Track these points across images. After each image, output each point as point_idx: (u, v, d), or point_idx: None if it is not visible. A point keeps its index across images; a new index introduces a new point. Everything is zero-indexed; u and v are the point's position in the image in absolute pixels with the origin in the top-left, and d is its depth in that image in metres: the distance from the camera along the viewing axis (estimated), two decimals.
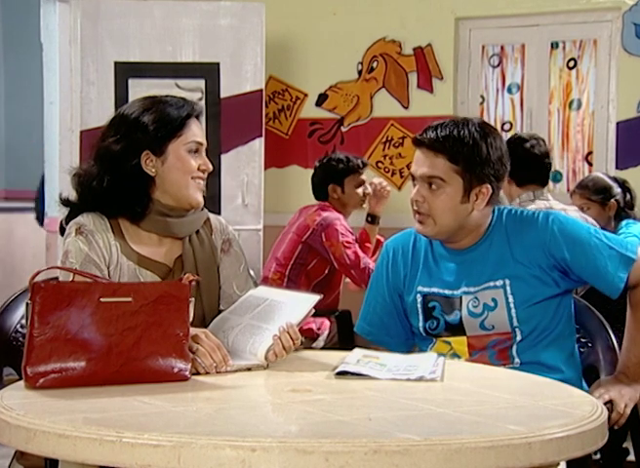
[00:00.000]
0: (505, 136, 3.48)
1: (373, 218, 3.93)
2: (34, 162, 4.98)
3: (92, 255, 1.86)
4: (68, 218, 1.94)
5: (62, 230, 1.96)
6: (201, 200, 1.94)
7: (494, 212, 2.10)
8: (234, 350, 1.79)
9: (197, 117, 1.94)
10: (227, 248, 2.03)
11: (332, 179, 3.84)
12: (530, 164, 3.25)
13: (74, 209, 1.94)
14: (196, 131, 1.93)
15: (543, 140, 3.39)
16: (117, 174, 1.88)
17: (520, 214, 2.10)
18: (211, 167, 1.95)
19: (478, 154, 2.00)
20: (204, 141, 1.95)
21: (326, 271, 3.80)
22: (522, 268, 2.04)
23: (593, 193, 3.58)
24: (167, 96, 1.96)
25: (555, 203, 3.26)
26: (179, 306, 1.63)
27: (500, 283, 2.04)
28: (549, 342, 2.05)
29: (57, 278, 1.87)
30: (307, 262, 3.78)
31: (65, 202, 1.97)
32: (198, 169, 1.92)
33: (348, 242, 3.70)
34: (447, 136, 2.00)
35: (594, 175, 3.77)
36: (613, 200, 3.56)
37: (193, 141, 1.92)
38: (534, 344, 2.04)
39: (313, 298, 1.87)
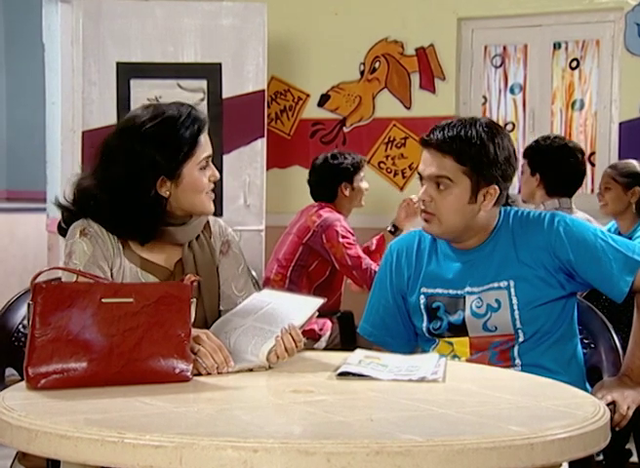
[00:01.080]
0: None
1: (395, 230, 3.92)
2: (36, 163, 4.98)
3: (95, 257, 1.85)
4: (67, 220, 1.92)
5: (60, 230, 1.94)
6: (212, 208, 1.94)
7: (500, 212, 2.10)
8: (236, 351, 1.78)
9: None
10: (226, 249, 2.03)
11: (344, 178, 3.84)
12: (573, 179, 3.25)
13: (73, 214, 1.92)
14: (205, 145, 1.91)
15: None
16: (131, 202, 1.85)
17: (527, 215, 2.09)
18: (218, 175, 1.94)
19: (485, 155, 2.00)
20: (211, 152, 1.93)
21: (327, 272, 3.80)
22: (527, 269, 2.03)
23: (619, 175, 3.54)
24: (173, 105, 1.90)
25: (581, 214, 3.22)
26: (180, 307, 1.62)
27: (504, 284, 2.04)
28: (551, 344, 2.05)
29: (58, 278, 1.87)
30: (308, 264, 3.77)
31: (64, 207, 1.94)
32: (208, 181, 1.91)
33: (349, 243, 3.70)
34: (454, 136, 2.00)
35: (630, 160, 3.70)
36: (637, 188, 3.52)
37: (204, 157, 1.90)
38: (535, 346, 2.03)
39: (317, 302, 1.87)
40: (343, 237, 3.70)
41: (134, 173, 1.85)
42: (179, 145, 1.86)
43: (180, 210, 1.91)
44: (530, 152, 3.36)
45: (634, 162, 3.68)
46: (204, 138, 1.90)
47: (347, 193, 3.85)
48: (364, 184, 3.91)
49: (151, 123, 1.86)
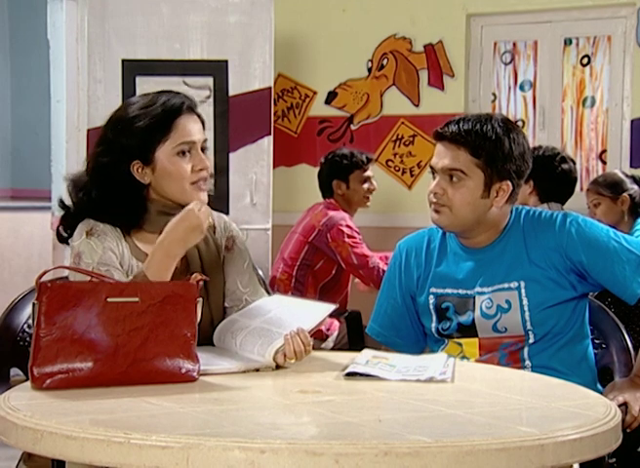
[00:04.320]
0: None
1: None
2: (41, 161, 4.98)
3: (107, 254, 1.83)
4: (66, 224, 1.91)
5: (59, 236, 1.92)
6: (203, 199, 1.87)
7: (512, 211, 2.08)
8: (242, 351, 1.77)
9: (192, 109, 1.87)
10: (231, 245, 2.00)
11: (336, 175, 3.84)
12: (565, 187, 3.34)
13: (70, 216, 1.91)
14: (187, 129, 1.84)
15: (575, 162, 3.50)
16: (109, 185, 1.84)
17: (538, 214, 2.07)
18: (207, 164, 1.87)
19: (500, 149, 1.99)
20: (197, 138, 1.86)
21: (333, 272, 3.78)
22: (538, 270, 2.01)
23: (604, 188, 3.56)
24: (156, 93, 1.89)
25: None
26: (186, 306, 1.61)
27: (514, 285, 2.02)
28: (561, 346, 2.03)
29: (63, 278, 1.85)
30: (314, 263, 3.76)
31: (65, 207, 1.93)
32: (192, 171, 1.85)
33: (355, 242, 3.68)
34: (470, 129, 1.98)
35: (607, 171, 3.80)
36: (625, 194, 3.53)
37: (182, 143, 1.84)
38: (546, 348, 2.01)
39: (327, 307, 1.86)
40: (349, 236, 3.68)
41: (110, 157, 1.85)
42: (149, 128, 1.83)
43: (166, 199, 1.87)
44: None
45: (613, 170, 3.75)
46: (183, 123, 1.84)
47: (340, 191, 3.83)
48: (366, 185, 3.87)
49: (128, 110, 1.87)
